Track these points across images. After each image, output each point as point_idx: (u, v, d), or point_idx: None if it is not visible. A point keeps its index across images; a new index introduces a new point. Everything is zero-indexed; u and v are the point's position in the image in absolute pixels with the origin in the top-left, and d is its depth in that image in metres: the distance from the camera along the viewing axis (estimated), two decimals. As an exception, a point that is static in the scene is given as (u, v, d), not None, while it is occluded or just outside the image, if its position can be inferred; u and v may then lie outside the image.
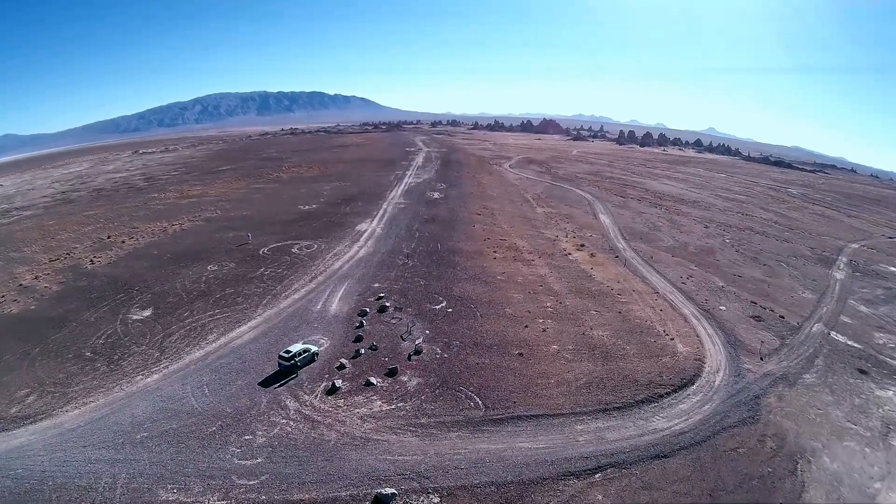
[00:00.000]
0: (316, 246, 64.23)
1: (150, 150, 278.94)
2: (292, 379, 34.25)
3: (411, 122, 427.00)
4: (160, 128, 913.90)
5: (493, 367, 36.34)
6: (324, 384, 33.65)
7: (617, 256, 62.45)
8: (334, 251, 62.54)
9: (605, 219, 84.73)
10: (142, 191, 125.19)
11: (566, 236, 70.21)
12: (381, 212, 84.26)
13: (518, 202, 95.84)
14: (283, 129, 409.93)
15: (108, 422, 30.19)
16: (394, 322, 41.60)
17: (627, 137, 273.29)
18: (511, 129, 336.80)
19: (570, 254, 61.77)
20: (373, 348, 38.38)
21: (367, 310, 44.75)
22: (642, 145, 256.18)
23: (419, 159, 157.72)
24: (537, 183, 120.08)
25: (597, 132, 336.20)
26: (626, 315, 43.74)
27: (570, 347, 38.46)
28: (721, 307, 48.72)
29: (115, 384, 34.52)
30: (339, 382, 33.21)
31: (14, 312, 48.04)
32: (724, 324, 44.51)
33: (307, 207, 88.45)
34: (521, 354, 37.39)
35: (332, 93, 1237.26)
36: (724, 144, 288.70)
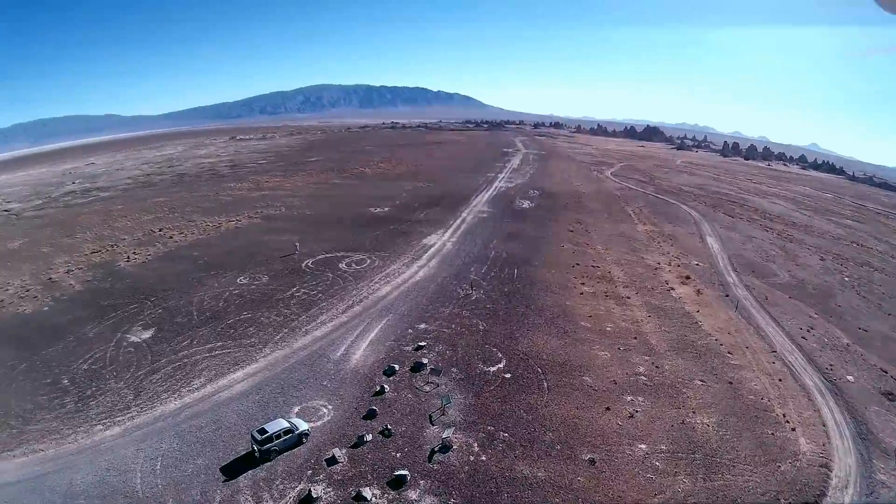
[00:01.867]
0: (368, 262, 61.67)
1: (246, 137, 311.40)
2: (264, 466, 28.68)
3: (514, 122, 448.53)
4: (262, 115, 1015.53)
5: (550, 486, 27.71)
6: (299, 487, 27.54)
7: (727, 295, 58.36)
8: (387, 271, 58.99)
9: (712, 242, 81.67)
10: (221, 178, 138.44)
11: (669, 264, 66.68)
12: (458, 221, 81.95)
13: (617, 217, 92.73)
14: (383, 123, 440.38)
15: (44, 484, 28.15)
16: (426, 390, 35.47)
17: (731, 149, 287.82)
18: (614, 134, 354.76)
19: (673, 288, 57.73)
20: (385, 433, 31.62)
21: (397, 366, 38.46)
22: (747, 158, 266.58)
23: (515, 161, 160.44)
24: (639, 195, 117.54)
25: (700, 142, 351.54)
26: (738, 388, 38.23)
27: (664, 448, 31.40)
28: (848, 377, 43.30)
29: (71, 431, 32.76)
30: (318, 490, 26.88)
31: (26, 312, 50.52)
32: (853, 404, 38.83)
33: (378, 210, 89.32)
34: (592, 462, 29.83)
35: (434, 89, 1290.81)
36: (828, 162, 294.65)
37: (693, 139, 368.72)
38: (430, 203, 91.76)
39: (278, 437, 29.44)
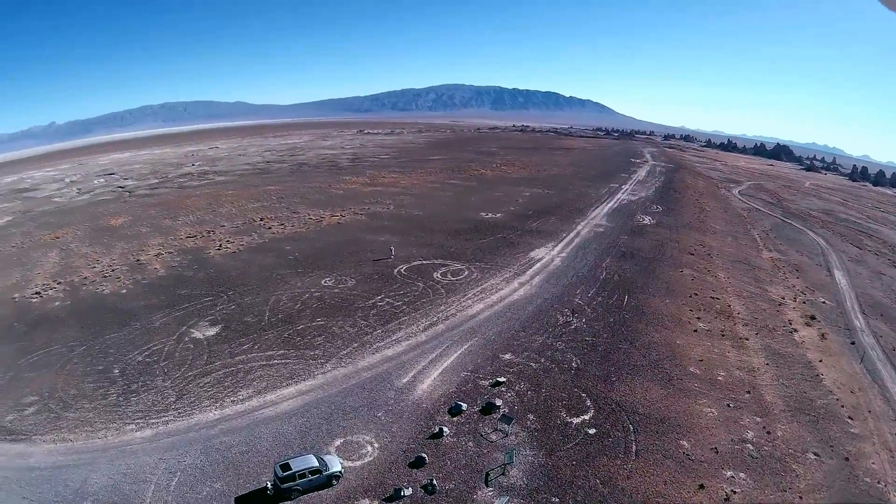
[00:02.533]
0: (466, 273, 58.60)
1: (374, 131, 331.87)
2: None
3: (644, 133, 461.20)
4: (393, 111, 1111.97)
5: None
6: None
7: (853, 342, 52.55)
8: (484, 285, 55.29)
9: (839, 277, 76.33)
10: (339, 171, 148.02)
11: (794, 299, 62.15)
12: (572, 234, 78.48)
13: (742, 240, 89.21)
14: (513, 126, 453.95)
15: (60, 477, 27.91)
16: (492, 440, 30.45)
17: (860, 174, 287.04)
18: (743, 150, 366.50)
19: (796, 330, 52.57)
20: (428, 489, 26.02)
21: (465, 405, 32.84)
22: (875, 184, 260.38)
23: (641, 173, 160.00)
24: (766, 217, 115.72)
25: (829, 164, 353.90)
26: (854, 466, 32.34)
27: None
28: None
29: (104, 426, 32.06)
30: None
31: (104, 293, 52.75)
32: None
33: (489, 216, 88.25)
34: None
35: (567, 94, 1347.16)
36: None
37: (822, 161, 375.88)
38: (545, 212, 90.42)
39: (303, 475, 25.97)
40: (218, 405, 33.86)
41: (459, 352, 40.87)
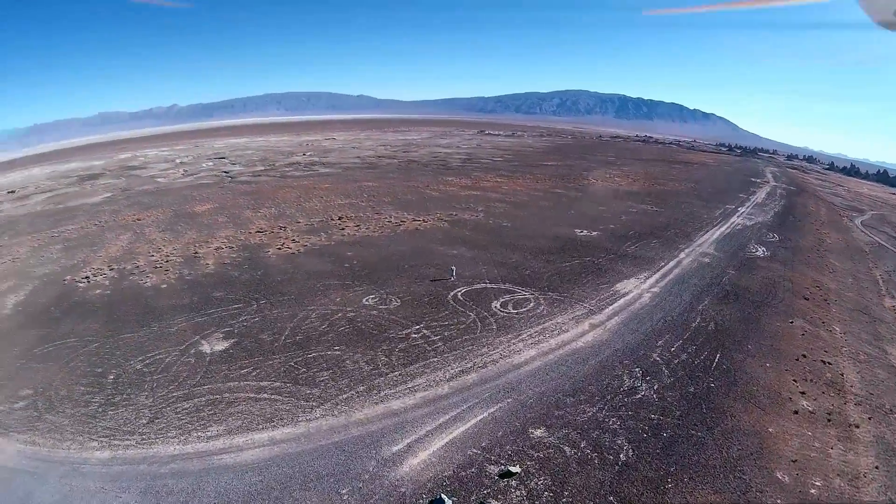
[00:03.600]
0: (531, 305, 55.17)
1: (494, 133, 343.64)
2: None
3: (766, 151, 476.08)
4: (516, 114, 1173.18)
5: None
6: None
7: None
8: (547, 324, 51.32)
9: None
10: (446, 171, 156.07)
11: None
12: (672, 263, 73.51)
13: (864, 283, 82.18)
14: (636, 136, 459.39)
15: (11, 482, 30.39)
16: None
17: None
18: (866, 176, 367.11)
19: None
20: None
21: (449, 502, 28.87)
22: None
23: (760, 195, 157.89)
24: (891, 255, 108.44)
25: None
26: None
27: None
28: None
29: (72, 438, 34.36)
30: None
31: (145, 285, 57.58)
32: None
33: (583, 234, 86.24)
34: None
35: (691, 107, 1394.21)
36: None
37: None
38: (647, 233, 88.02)
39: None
40: (182, 439, 34.31)
41: (481, 417, 37.05)
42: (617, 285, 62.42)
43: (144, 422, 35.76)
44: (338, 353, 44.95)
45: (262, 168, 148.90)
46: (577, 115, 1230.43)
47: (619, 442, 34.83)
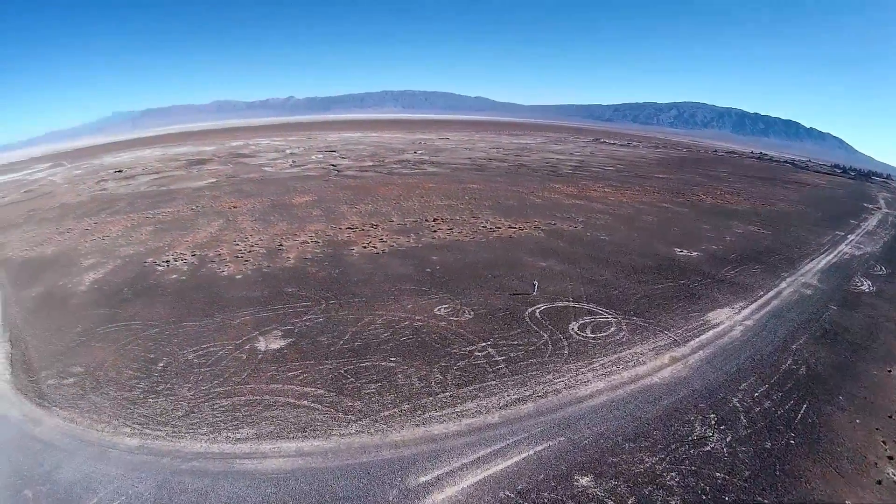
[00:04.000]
0: (611, 330, 51.63)
1: (610, 141, 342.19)
2: None
3: (880, 175, 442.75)
4: (633, 123, 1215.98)
5: None
6: None
7: None
8: (623, 353, 47.62)
9: None
10: (554, 177, 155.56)
11: None
12: (771, 294, 68.36)
13: None
14: (751, 152, 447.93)
15: (42, 454, 32.65)
16: None
17: None
18: None
19: None
20: None
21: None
22: None
23: (872, 222, 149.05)
24: None
25: None
26: None
27: None
28: None
29: (108, 421, 35.82)
30: None
31: (220, 275, 60.40)
32: None
33: (682, 253, 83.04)
34: None
35: (807, 125, 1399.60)
36: None
37: None
38: (750, 257, 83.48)
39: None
40: (211, 437, 34.47)
41: (525, 454, 33.80)
42: (709, 314, 57.23)
43: (180, 414, 36.41)
44: (392, 364, 43.40)
45: (371, 164, 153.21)
46: (693, 128, 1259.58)
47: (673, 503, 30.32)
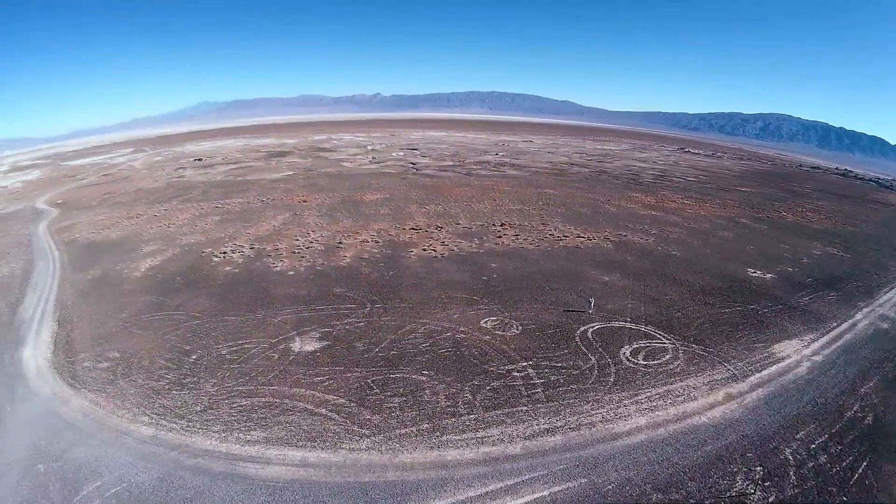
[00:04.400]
0: (666, 358, 47.61)
1: (695, 151, 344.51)
2: None
3: None
4: (719, 133, 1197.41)
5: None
6: None
7: None
8: (672, 387, 43.56)
9: None
10: (634, 186, 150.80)
11: None
12: (845, 325, 62.18)
13: None
14: (836, 168, 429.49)
15: (62, 433, 34.61)
16: None
17: None
18: None
19: None
20: None
21: None
22: None
23: None
24: None
25: None
26: None
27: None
28: None
29: (130, 408, 37.09)
30: None
31: (273, 270, 63.10)
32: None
33: (755, 274, 77.57)
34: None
35: (893, 142, 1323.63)
36: None
37: None
38: (827, 283, 76.78)
39: None
40: (222, 436, 34.72)
41: (539, 495, 31.15)
42: (775, 346, 52.05)
43: (198, 409, 37.01)
44: (423, 378, 42.11)
45: (450, 163, 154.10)
46: (779, 141, 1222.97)
47: None
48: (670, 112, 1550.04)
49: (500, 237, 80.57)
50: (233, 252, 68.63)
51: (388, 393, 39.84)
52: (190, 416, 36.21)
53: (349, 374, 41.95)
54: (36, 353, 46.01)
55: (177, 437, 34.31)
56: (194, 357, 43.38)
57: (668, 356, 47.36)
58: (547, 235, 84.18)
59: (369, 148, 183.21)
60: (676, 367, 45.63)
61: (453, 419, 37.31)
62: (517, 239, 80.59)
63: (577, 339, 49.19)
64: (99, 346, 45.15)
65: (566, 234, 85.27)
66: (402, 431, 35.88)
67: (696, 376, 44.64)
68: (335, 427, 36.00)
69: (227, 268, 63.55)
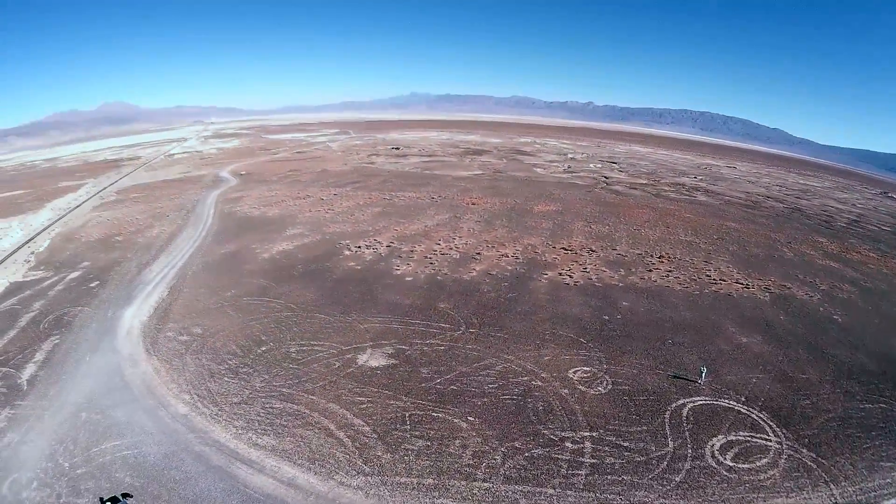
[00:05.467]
0: (762, 462, 38.99)
1: None
2: None
3: None
4: None
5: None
6: None
7: None
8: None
9: None
10: (825, 229, 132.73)
11: None
12: None
13: None
14: None
15: (116, 392, 40.81)
16: None
17: None
18: None
19: None
20: None
21: None
22: None
23: None
24: None
25: None
26: None
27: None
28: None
29: (181, 385, 41.85)
30: None
31: (394, 273, 66.37)
32: None
33: None
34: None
35: None
36: None
37: None
38: None
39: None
40: (237, 433, 37.17)
41: None
42: None
43: (235, 401, 40.13)
44: (463, 425, 39.95)
45: (643, 181, 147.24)
46: None
47: None
48: (884, 152, 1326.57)
49: (650, 270, 74.60)
50: (367, 248, 72.50)
51: (417, 433, 38.74)
52: (224, 406, 39.45)
53: (392, 402, 41.69)
54: (136, 314, 54.01)
55: (201, 422, 37.65)
56: (263, 349, 46.85)
57: (765, 460, 38.90)
58: (702, 276, 76.48)
59: (569, 156, 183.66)
60: (767, 479, 37.30)
61: (463, 482, 35.18)
62: (667, 276, 74.33)
63: (667, 416, 42.74)
64: (189, 320, 51.25)
65: (723, 278, 76.72)
66: (402, 480, 34.86)
67: (787, 497, 36.30)
68: (341, 455, 36.25)
69: (352, 263, 67.39)
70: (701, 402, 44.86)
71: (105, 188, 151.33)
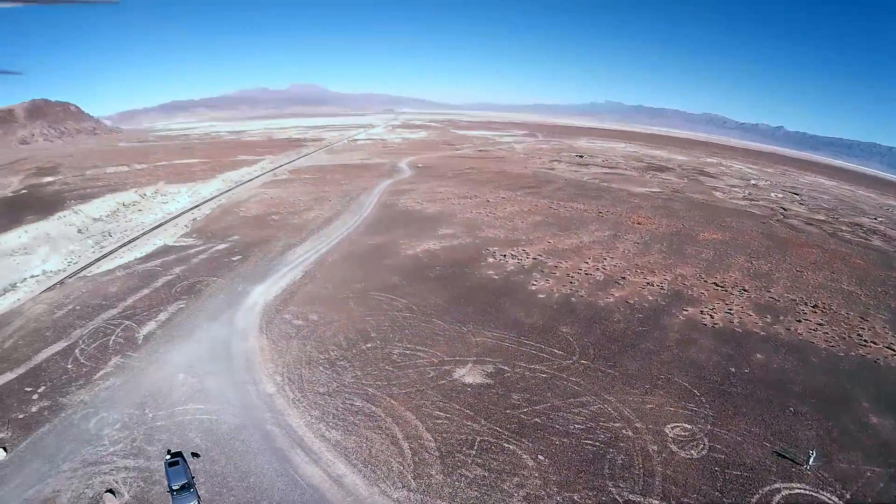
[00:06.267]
0: None
1: None
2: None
3: None
4: None
5: None
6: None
7: None
8: None
9: None
10: None
11: None
12: None
13: None
14: None
15: (204, 358, 46.47)
16: None
17: None
18: None
19: None
20: None
21: None
22: None
23: None
24: None
25: None
26: None
27: None
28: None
29: (277, 362, 47.18)
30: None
31: (529, 288, 66.04)
32: None
33: None
34: None
35: None
36: None
37: None
38: None
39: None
40: (309, 422, 40.41)
41: None
42: None
43: (320, 391, 43.31)
44: (530, 463, 38.65)
45: (821, 218, 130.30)
46: None
47: None
48: None
49: (798, 321, 66.03)
50: (512, 257, 72.59)
51: (480, 461, 38.33)
52: (308, 393, 42.77)
53: (469, 423, 41.66)
54: (264, 293, 60.16)
55: (282, 404, 41.34)
56: (368, 345, 49.57)
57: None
58: (853, 335, 66.10)
59: (751, 182, 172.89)
60: None
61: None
62: (816, 329, 65.56)
63: (753, 501, 37.49)
64: (310, 305, 55.92)
65: (875, 340, 65.59)
66: (442, 505, 35.58)
67: None
68: (395, 465, 37.33)
69: (490, 272, 68.05)
70: (798, 491, 38.79)
71: (280, 166, 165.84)
